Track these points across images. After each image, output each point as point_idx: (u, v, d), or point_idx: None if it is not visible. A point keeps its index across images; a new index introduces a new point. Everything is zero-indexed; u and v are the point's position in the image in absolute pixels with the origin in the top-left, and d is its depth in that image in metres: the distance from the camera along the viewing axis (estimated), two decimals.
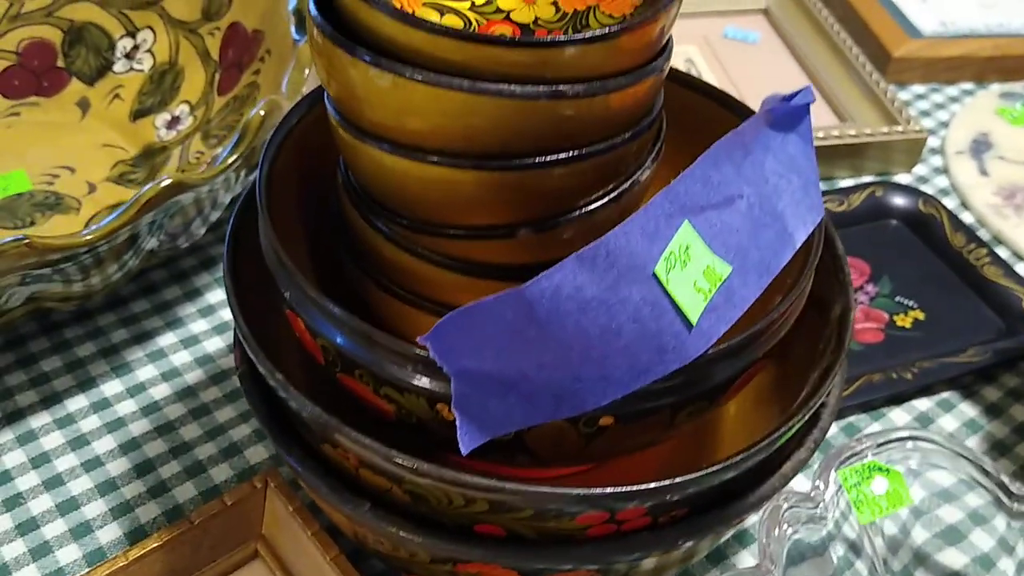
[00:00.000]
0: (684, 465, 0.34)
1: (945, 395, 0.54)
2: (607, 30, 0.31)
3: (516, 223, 0.34)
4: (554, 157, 0.33)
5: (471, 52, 0.31)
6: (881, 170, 0.68)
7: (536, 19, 0.39)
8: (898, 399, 0.53)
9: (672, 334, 0.32)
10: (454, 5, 0.38)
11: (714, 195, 0.34)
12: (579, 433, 0.33)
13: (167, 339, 0.54)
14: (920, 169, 0.69)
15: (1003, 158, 0.69)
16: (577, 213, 0.35)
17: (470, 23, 0.38)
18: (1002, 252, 0.63)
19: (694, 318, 0.32)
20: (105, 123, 0.64)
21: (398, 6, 0.37)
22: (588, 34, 0.31)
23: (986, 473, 0.43)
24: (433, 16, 0.38)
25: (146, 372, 0.52)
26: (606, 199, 0.35)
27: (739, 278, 0.34)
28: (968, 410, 0.53)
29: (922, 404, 0.53)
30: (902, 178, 0.68)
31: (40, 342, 0.53)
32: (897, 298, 0.59)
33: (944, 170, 0.69)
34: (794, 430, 0.35)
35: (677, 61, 0.73)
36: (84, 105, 0.65)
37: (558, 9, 0.39)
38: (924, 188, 0.68)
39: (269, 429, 0.38)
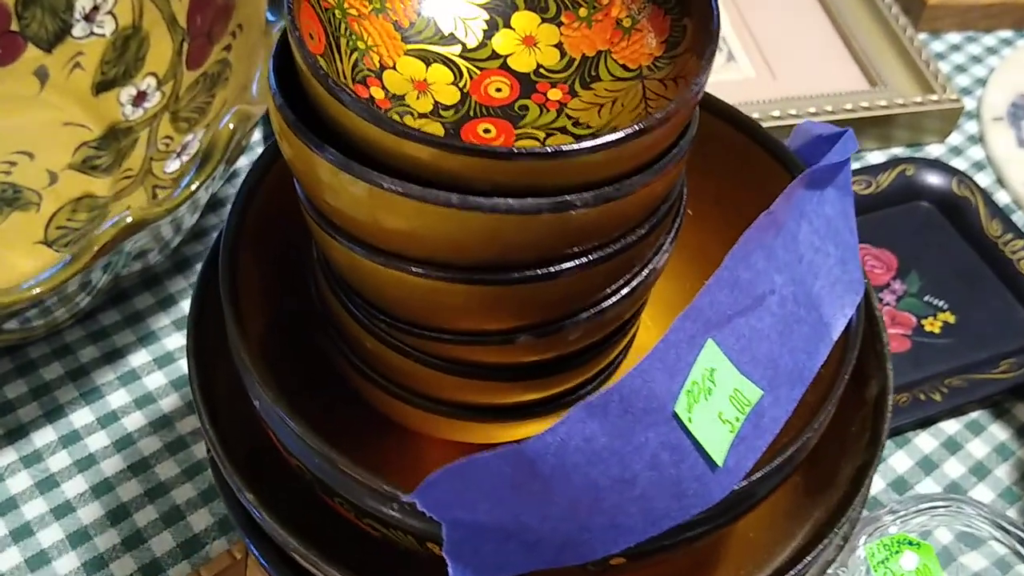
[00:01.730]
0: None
1: (975, 415, 0.51)
2: (623, 134, 0.26)
3: (514, 330, 0.30)
4: (558, 268, 0.28)
5: (460, 161, 0.26)
6: (912, 140, 0.63)
7: (538, 67, 0.33)
8: (925, 422, 0.50)
9: (694, 478, 0.28)
10: (443, 52, 0.33)
11: (742, 298, 0.30)
12: (585, 571, 0.30)
13: (140, 358, 0.50)
14: (954, 138, 0.64)
15: None
16: (585, 315, 0.30)
17: (461, 74, 0.33)
18: None
19: (720, 458, 0.28)
20: (66, 96, 0.59)
21: (376, 60, 0.32)
22: (600, 139, 0.26)
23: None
24: (418, 67, 0.32)
25: (118, 398, 0.48)
26: (618, 296, 0.31)
27: (770, 396, 0.30)
28: (999, 432, 0.50)
29: (950, 427, 0.50)
30: (934, 149, 0.63)
31: (2, 363, 0.49)
32: (926, 297, 0.55)
33: (980, 139, 0.64)
34: (820, 555, 0.32)
35: None
36: (42, 75, 0.59)
37: (563, 54, 0.33)
38: (958, 161, 0.63)
39: (246, 535, 0.34)
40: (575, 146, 0.26)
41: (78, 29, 0.60)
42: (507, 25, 0.34)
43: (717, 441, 0.28)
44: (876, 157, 0.62)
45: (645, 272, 0.31)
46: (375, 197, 0.27)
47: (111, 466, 0.46)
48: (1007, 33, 0.71)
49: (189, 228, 0.47)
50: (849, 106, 0.60)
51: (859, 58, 0.65)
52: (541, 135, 0.32)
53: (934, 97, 0.62)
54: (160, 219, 0.41)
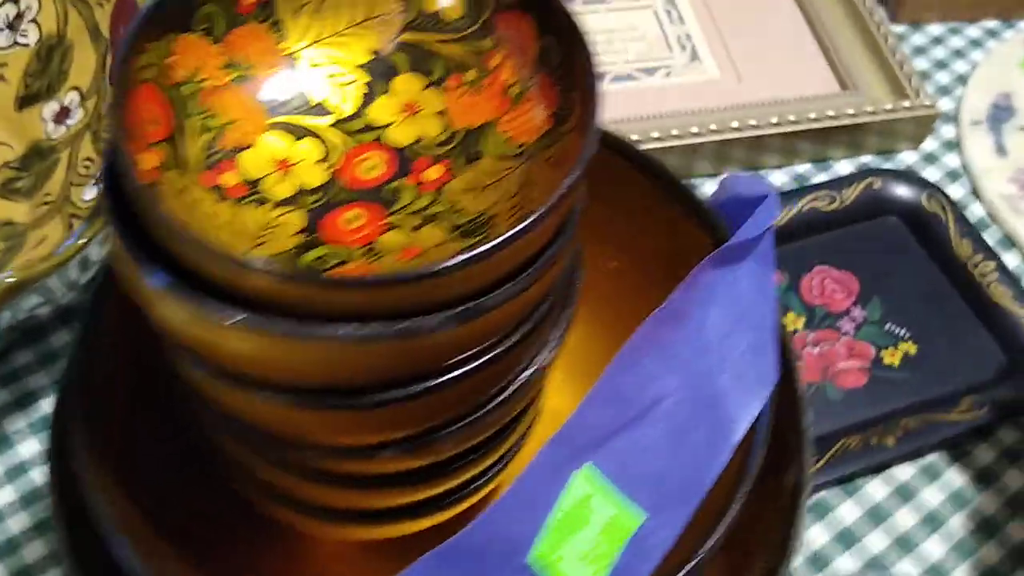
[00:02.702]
0: None
1: (931, 458, 0.48)
2: (475, 252, 0.23)
3: (378, 446, 0.27)
4: (416, 388, 0.26)
5: (296, 289, 0.23)
6: (884, 147, 0.59)
7: (418, 140, 0.30)
8: (878, 467, 0.47)
9: None
10: (312, 125, 0.30)
11: (625, 411, 0.27)
12: None
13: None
14: (930, 143, 0.60)
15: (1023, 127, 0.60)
16: (457, 427, 0.28)
17: (331, 150, 0.30)
18: (1013, 257, 0.55)
19: None
20: None
21: (233, 139, 0.29)
22: (450, 260, 0.23)
23: None
24: (282, 143, 0.29)
25: (28, 448, 0.46)
26: (496, 402, 0.28)
27: (655, 519, 0.27)
28: (956, 478, 0.47)
29: (904, 471, 0.47)
30: (907, 156, 0.60)
31: None
32: (888, 326, 0.52)
33: (957, 144, 0.60)
34: None
35: (655, 0, 0.63)
36: None
37: (447, 125, 0.30)
38: (931, 170, 0.59)
39: None
40: (410, 272, 0.23)
41: (2, 38, 0.57)
42: (388, 91, 0.31)
43: None
44: (844, 167, 0.59)
45: (529, 372, 0.29)
46: (206, 324, 0.24)
47: (17, 523, 0.44)
48: (993, 23, 0.67)
49: (79, 284, 0.44)
50: (813, 115, 0.57)
51: (831, 58, 0.61)
52: (416, 221, 0.29)
53: (906, 103, 0.58)
54: (44, 277, 0.38)
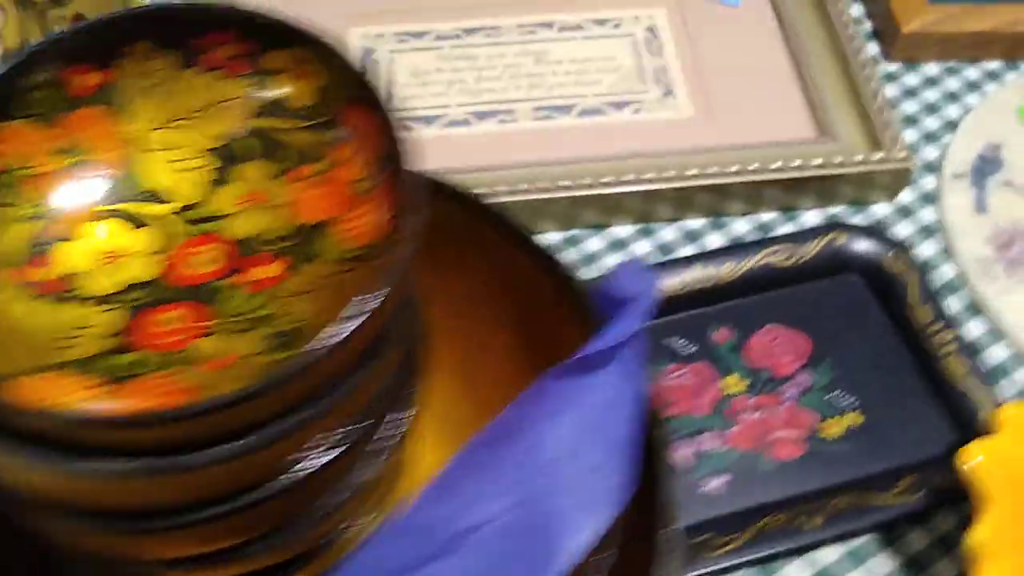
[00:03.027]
0: None
1: (860, 541, 0.46)
2: (216, 401, 0.22)
3: (172, 562, 0.27)
4: (198, 515, 0.25)
5: (45, 423, 0.22)
6: (857, 198, 0.57)
7: (260, 233, 0.29)
8: (801, 549, 0.45)
9: None
10: (149, 213, 0.29)
11: (428, 543, 0.26)
12: None
13: None
14: (908, 195, 0.57)
15: (1011, 184, 0.57)
16: (263, 545, 0.27)
17: (165, 241, 0.29)
18: (978, 325, 0.52)
19: None
20: None
21: (58, 229, 0.28)
22: (203, 403, 0.22)
23: None
24: (119, 231, 0.28)
25: None
26: (309, 519, 0.27)
27: None
28: (884, 564, 0.45)
29: (828, 554, 0.45)
30: (881, 208, 0.57)
31: None
32: (835, 393, 0.50)
33: (936, 198, 0.57)
34: None
35: (636, 27, 0.61)
36: None
37: (292, 218, 0.29)
38: (905, 224, 0.56)
39: None
40: (149, 413, 0.22)
41: None
42: (236, 178, 0.30)
43: None
44: (813, 217, 0.56)
45: (342, 495, 0.28)
46: None
47: None
48: (995, 64, 0.63)
49: None
50: (779, 164, 0.54)
51: (812, 102, 0.59)
52: (242, 325, 0.28)
53: (879, 155, 0.55)
54: None
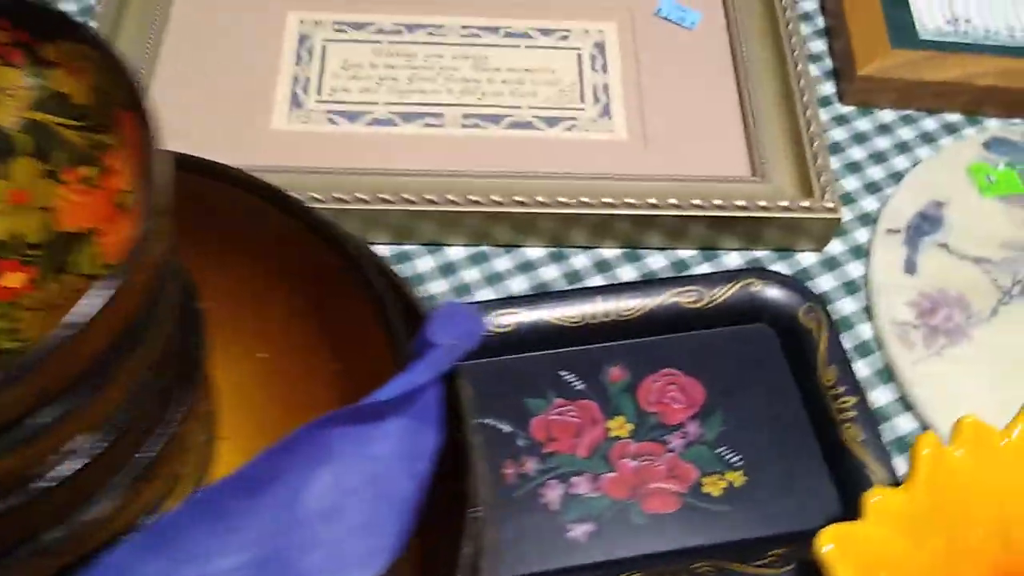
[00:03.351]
0: None
1: None
2: None
3: None
4: None
5: None
6: (784, 244, 0.54)
7: (12, 237, 0.27)
8: None
9: None
10: None
11: None
12: None
13: None
14: (838, 246, 0.55)
15: (946, 247, 0.54)
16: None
17: None
18: (887, 393, 0.50)
19: None
20: None
21: None
22: None
23: None
24: None
25: None
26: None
27: None
28: None
29: None
30: (808, 257, 0.54)
31: None
32: (721, 449, 0.48)
33: (867, 253, 0.55)
34: None
35: (585, 42, 0.59)
36: None
37: (49, 224, 0.27)
38: (828, 277, 0.54)
39: None
40: None
41: None
42: (3, 175, 0.28)
43: None
44: (735, 259, 0.54)
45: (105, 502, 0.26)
46: None
47: None
48: (954, 117, 0.60)
49: None
50: (697, 201, 0.52)
51: (751, 138, 0.56)
52: None
53: (806, 202, 0.53)
54: None
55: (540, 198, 0.52)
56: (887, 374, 0.51)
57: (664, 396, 0.49)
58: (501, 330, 0.49)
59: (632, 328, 0.50)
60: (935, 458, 0.40)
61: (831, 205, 0.53)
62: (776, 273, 0.52)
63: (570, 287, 0.52)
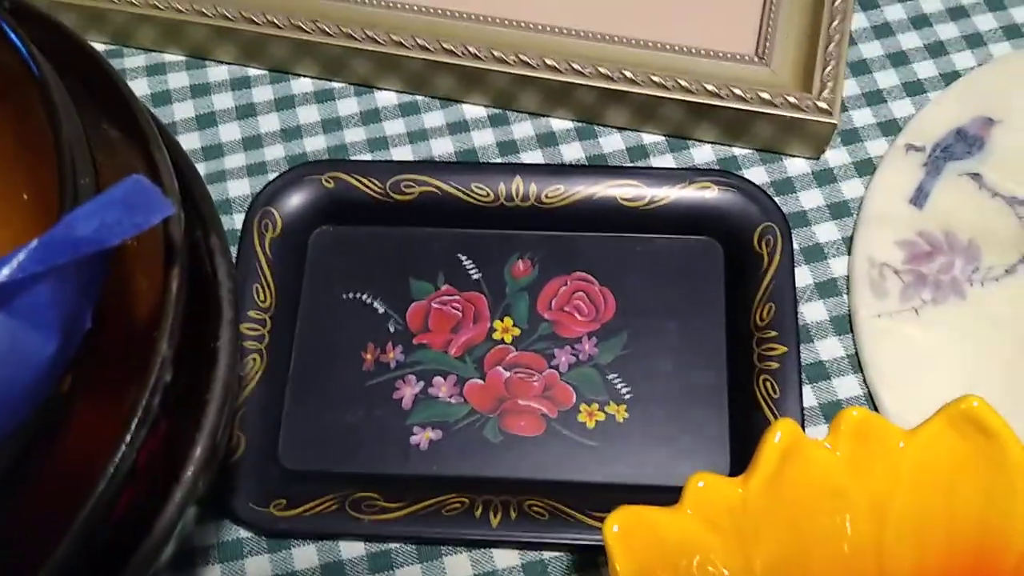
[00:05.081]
0: None
1: (531, 557, 0.38)
2: None
3: None
4: None
5: None
6: (772, 144, 0.45)
7: None
8: (472, 543, 0.38)
9: None
10: None
11: None
12: None
13: None
14: (841, 157, 0.45)
15: (977, 177, 0.43)
16: None
17: None
18: (836, 347, 0.41)
19: None
20: None
21: None
22: None
23: None
24: None
25: None
26: None
27: None
28: None
29: (501, 558, 0.38)
30: (797, 165, 0.45)
31: None
32: (612, 376, 0.41)
33: (872, 170, 0.45)
34: None
35: None
36: None
37: None
38: (815, 194, 0.44)
39: None
40: None
41: None
42: None
43: None
44: (706, 154, 0.45)
45: None
46: None
47: None
48: None
49: None
50: (680, 77, 0.43)
51: (766, 12, 0.46)
52: None
53: (794, 97, 0.43)
54: None
55: (490, 51, 0.45)
56: (843, 324, 0.42)
57: (567, 304, 0.42)
58: (402, 197, 0.44)
59: (552, 218, 0.43)
60: (791, 450, 0.32)
61: (825, 105, 0.42)
62: (740, 178, 0.43)
63: (491, 160, 0.45)
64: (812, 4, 0.45)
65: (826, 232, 0.43)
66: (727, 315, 0.42)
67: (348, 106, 0.47)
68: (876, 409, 0.40)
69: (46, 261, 0.24)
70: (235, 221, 0.44)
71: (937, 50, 0.47)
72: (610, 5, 0.46)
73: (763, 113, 0.43)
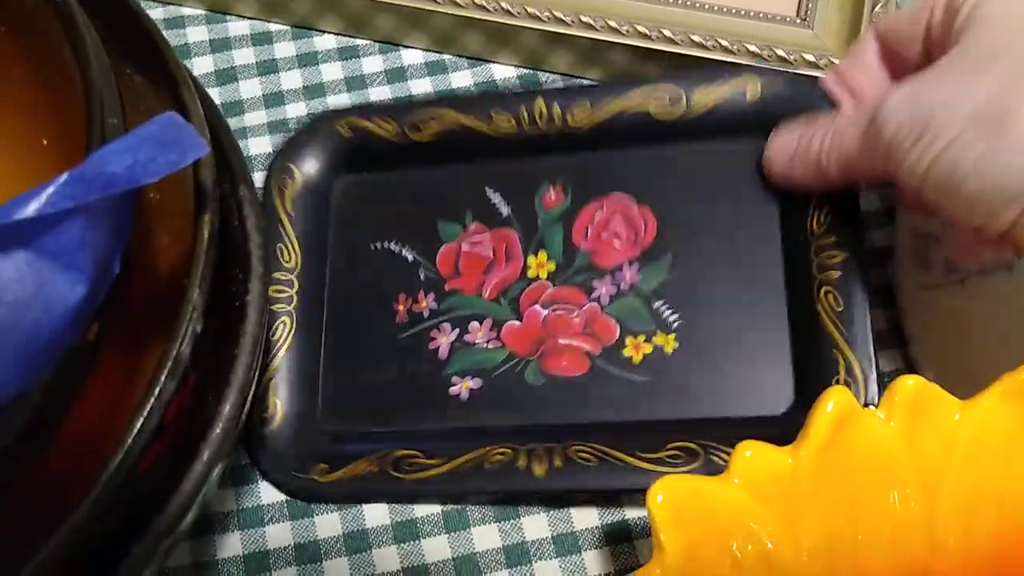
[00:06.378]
0: None
1: (574, 514, 0.37)
2: None
3: None
4: None
5: None
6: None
7: None
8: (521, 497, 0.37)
9: None
10: None
11: None
12: None
13: None
14: None
15: None
16: None
17: None
18: (879, 319, 0.40)
19: None
20: None
21: None
22: None
23: None
24: None
25: None
26: None
27: None
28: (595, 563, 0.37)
29: (539, 525, 0.37)
30: None
31: None
32: (658, 304, 0.38)
33: None
34: None
35: None
36: None
37: None
38: None
39: None
40: None
41: None
42: None
43: None
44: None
45: None
46: None
47: None
48: None
49: None
50: (707, 36, 0.41)
51: None
52: None
53: (836, 61, 0.41)
54: None
55: (524, 7, 0.43)
56: (890, 295, 0.40)
57: (604, 230, 0.40)
58: (419, 136, 0.41)
59: (580, 140, 0.40)
60: (844, 421, 0.30)
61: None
62: (783, 72, 0.39)
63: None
64: None
65: (869, 202, 0.42)
66: (780, 225, 0.38)
67: (373, 63, 0.45)
68: None
69: (76, 198, 0.22)
70: (256, 180, 0.42)
71: None
72: None
73: (806, 76, 0.41)
